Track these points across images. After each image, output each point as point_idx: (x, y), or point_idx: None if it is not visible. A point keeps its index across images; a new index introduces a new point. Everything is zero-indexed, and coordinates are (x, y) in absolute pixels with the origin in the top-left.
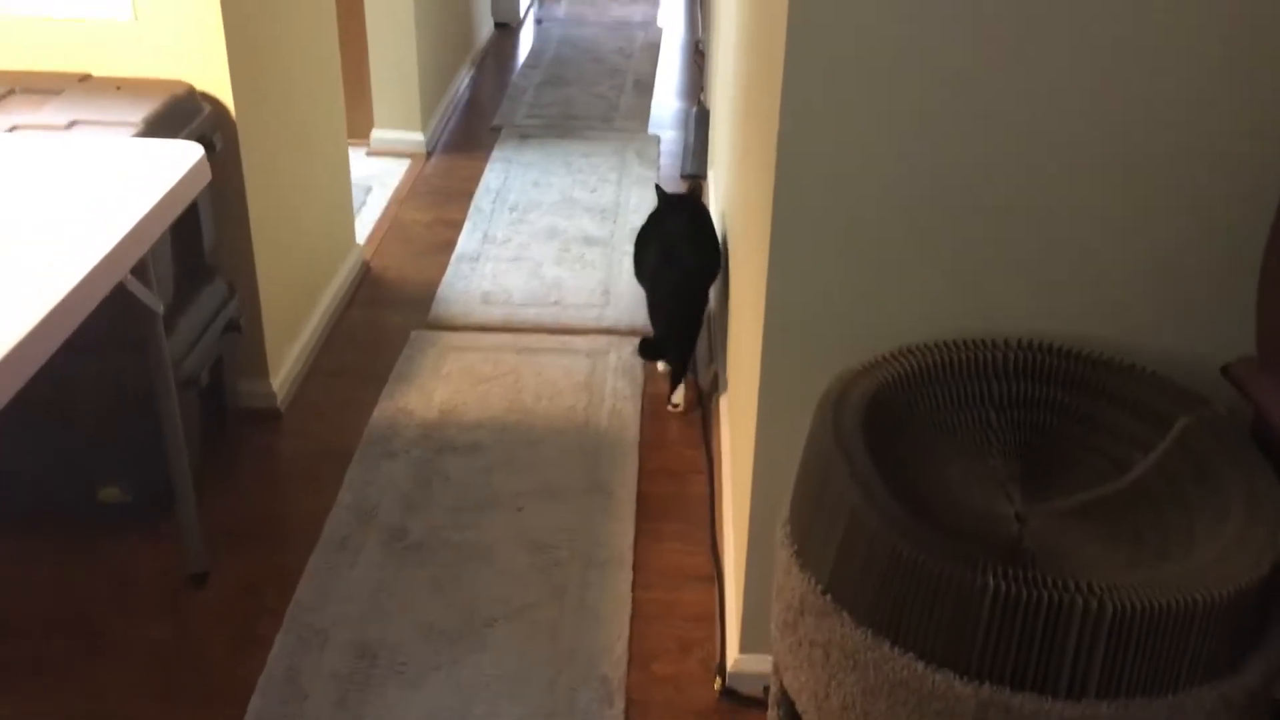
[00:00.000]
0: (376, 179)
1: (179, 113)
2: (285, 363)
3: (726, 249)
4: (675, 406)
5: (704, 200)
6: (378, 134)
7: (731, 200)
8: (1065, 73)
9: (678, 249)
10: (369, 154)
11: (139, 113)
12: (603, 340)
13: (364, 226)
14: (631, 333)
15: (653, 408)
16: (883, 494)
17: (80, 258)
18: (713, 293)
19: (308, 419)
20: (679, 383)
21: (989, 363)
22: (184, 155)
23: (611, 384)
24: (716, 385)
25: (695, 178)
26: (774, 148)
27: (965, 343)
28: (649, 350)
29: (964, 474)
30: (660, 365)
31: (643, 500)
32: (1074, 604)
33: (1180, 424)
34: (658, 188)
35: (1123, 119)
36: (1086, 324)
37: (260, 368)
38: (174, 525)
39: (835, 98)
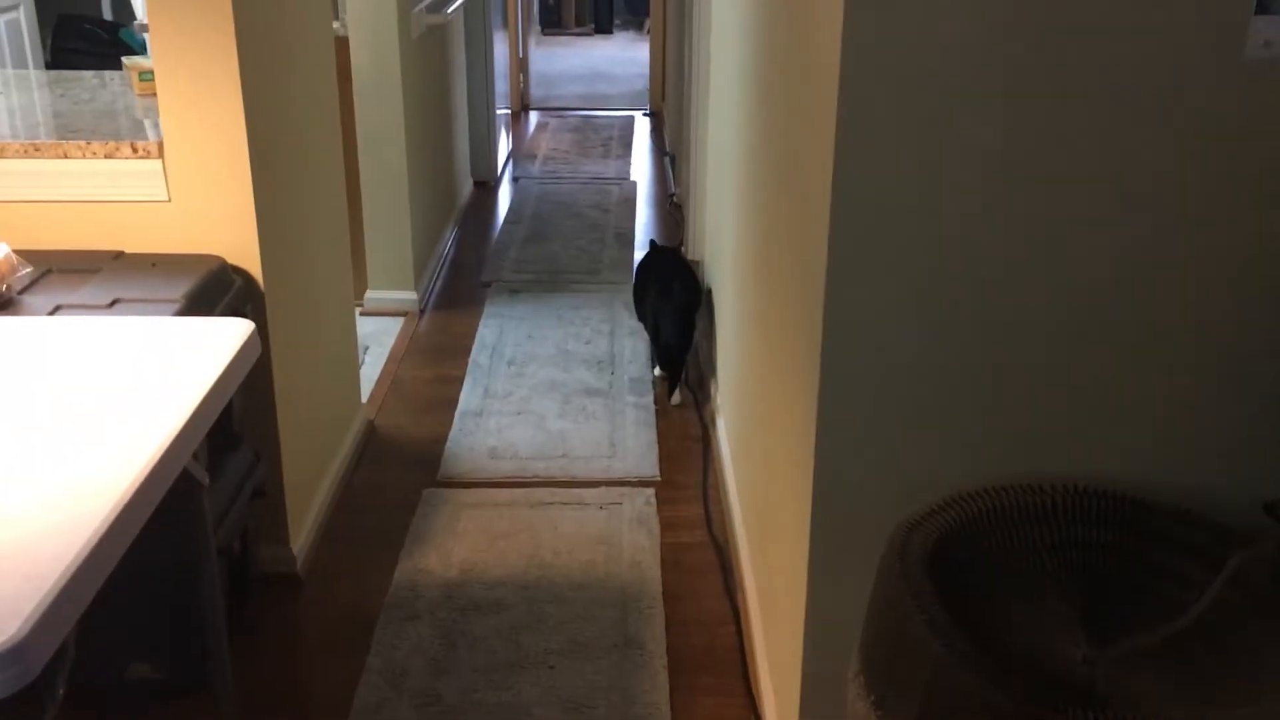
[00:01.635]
0: (373, 338)
1: (215, 287)
2: (303, 527)
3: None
4: (675, 403)
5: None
6: (371, 294)
7: (744, 349)
8: (1095, 227)
9: (672, 287)
10: (362, 313)
11: (178, 289)
12: (614, 491)
13: (365, 385)
14: (640, 483)
15: (673, 558)
16: (964, 644)
17: (150, 442)
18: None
19: (328, 583)
20: (676, 387)
21: (1037, 507)
22: (236, 332)
23: (629, 536)
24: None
25: None
26: (820, 310)
27: (1013, 488)
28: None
29: (1027, 618)
30: (656, 370)
31: (673, 653)
32: None
33: (1233, 562)
34: (652, 242)
35: (1150, 275)
36: (1127, 464)
37: (281, 533)
38: (205, 700)
39: (878, 259)
